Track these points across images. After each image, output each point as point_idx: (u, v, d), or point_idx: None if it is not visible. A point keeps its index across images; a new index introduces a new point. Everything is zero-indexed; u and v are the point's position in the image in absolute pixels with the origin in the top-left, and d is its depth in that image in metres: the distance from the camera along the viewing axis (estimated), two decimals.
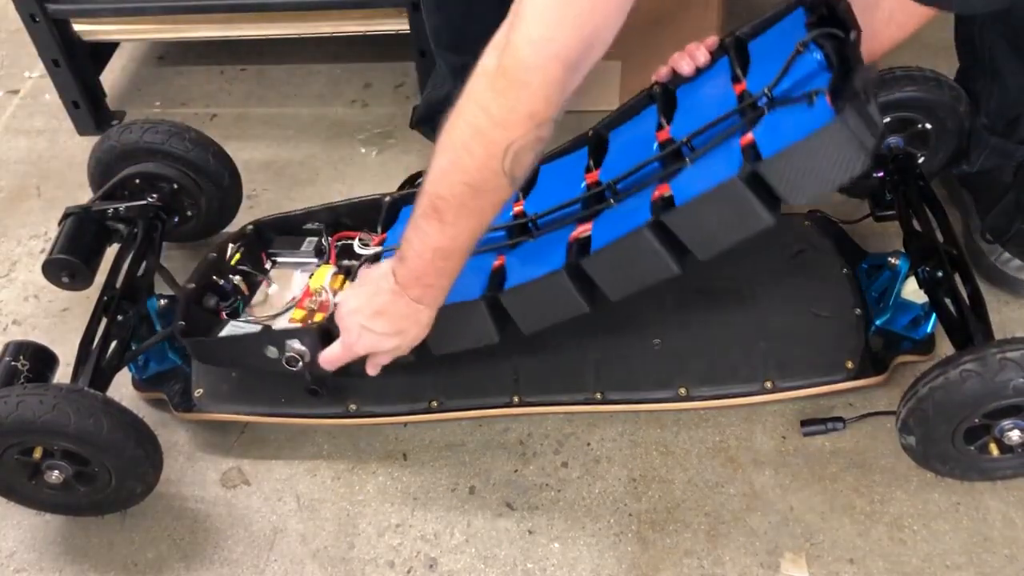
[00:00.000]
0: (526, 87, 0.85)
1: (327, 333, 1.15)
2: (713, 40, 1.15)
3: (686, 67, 1.17)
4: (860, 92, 0.90)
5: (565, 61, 0.85)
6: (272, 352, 1.17)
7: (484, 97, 0.87)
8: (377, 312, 1.04)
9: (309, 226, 1.34)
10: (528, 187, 1.26)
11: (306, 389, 1.21)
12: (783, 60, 1.02)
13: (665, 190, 1.05)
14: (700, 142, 1.06)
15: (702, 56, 1.16)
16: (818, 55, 1.01)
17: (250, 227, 1.34)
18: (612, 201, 1.10)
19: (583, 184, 1.19)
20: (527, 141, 0.88)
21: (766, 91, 1.01)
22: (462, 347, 1.16)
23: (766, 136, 0.98)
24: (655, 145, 1.13)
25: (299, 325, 1.23)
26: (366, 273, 1.07)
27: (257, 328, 1.22)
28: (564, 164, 1.26)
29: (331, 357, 1.10)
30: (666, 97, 1.20)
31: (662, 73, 1.20)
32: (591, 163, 1.22)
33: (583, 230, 1.11)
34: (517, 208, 1.23)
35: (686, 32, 1.60)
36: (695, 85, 1.18)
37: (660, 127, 1.15)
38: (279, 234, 1.35)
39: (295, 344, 1.15)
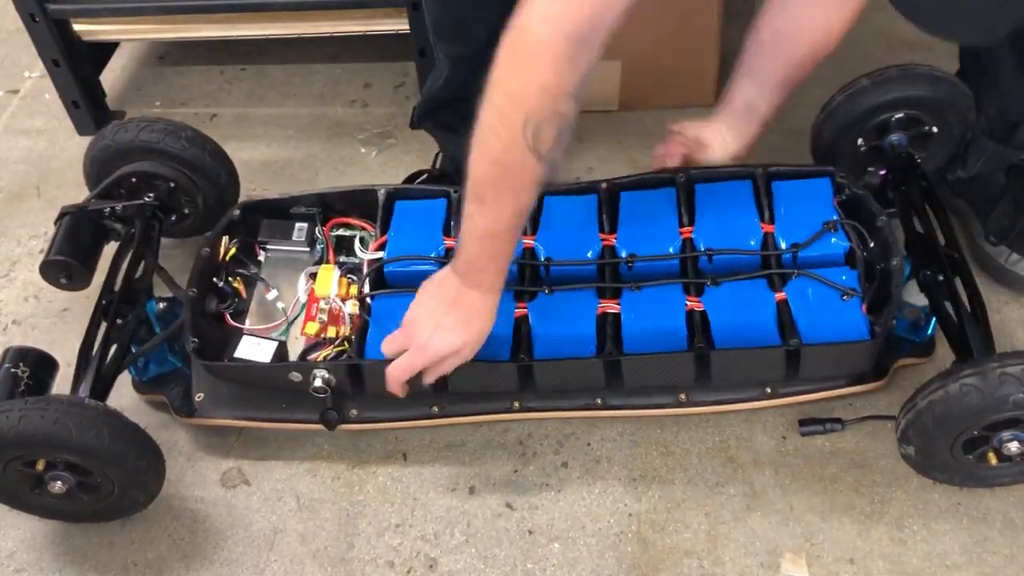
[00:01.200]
0: (536, 62, 0.92)
1: (355, 368, 1.17)
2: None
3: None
4: (891, 320, 1.14)
5: (572, 36, 0.91)
6: (296, 376, 1.19)
7: (501, 77, 0.94)
8: (446, 306, 1.08)
9: (298, 210, 1.34)
10: (535, 218, 1.29)
11: (322, 413, 1.21)
12: (807, 218, 1.22)
13: (698, 305, 1.17)
14: (722, 260, 1.21)
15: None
16: (844, 243, 1.20)
17: (236, 212, 1.32)
18: (634, 286, 1.21)
19: (599, 244, 1.26)
20: (545, 115, 0.93)
21: (794, 252, 1.20)
22: (482, 389, 1.21)
23: (797, 301, 1.17)
24: (678, 241, 1.24)
25: (313, 338, 1.25)
26: (425, 284, 1.12)
27: (272, 344, 1.23)
28: (574, 206, 1.30)
29: (402, 368, 1.11)
30: (687, 184, 1.29)
31: (674, 151, 1.28)
32: (604, 220, 1.28)
33: (610, 307, 1.19)
34: (528, 242, 1.27)
35: (686, 32, 1.60)
36: (718, 191, 1.28)
37: (682, 223, 1.26)
38: (266, 217, 1.35)
39: (323, 374, 1.17)
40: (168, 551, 1.20)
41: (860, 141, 1.34)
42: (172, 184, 1.38)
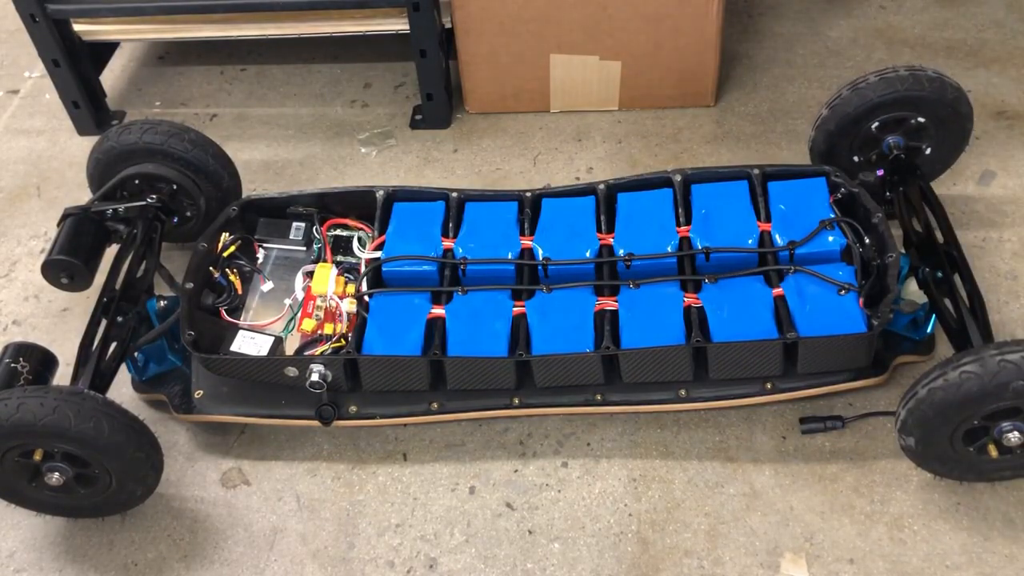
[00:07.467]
0: None
1: (352, 364, 1.18)
2: None
3: None
4: (888, 313, 1.14)
5: None
6: (292, 371, 1.19)
7: None
8: None
9: (295, 210, 1.34)
10: (533, 219, 1.31)
11: (318, 409, 1.22)
12: (803, 217, 1.24)
13: (695, 301, 1.19)
14: (718, 257, 1.23)
15: None
16: (840, 240, 1.22)
17: (234, 209, 1.33)
18: (631, 284, 1.22)
19: (597, 244, 1.28)
20: None
21: (790, 250, 1.22)
22: (481, 386, 1.22)
23: (795, 296, 1.18)
24: (675, 240, 1.26)
25: (309, 335, 1.25)
26: None
27: (269, 339, 1.23)
28: (572, 208, 1.32)
29: None
30: (684, 186, 1.31)
31: None
32: (602, 220, 1.30)
33: (607, 303, 1.21)
34: (527, 243, 1.28)
35: (686, 32, 1.61)
36: (715, 192, 1.30)
37: (679, 223, 1.28)
38: (265, 215, 1.35)
39: (320, 368, 1.17)
40: (168, 551, 1.20)
41: (856, 146, 1.34)
42: (175, 186, 1.38)
